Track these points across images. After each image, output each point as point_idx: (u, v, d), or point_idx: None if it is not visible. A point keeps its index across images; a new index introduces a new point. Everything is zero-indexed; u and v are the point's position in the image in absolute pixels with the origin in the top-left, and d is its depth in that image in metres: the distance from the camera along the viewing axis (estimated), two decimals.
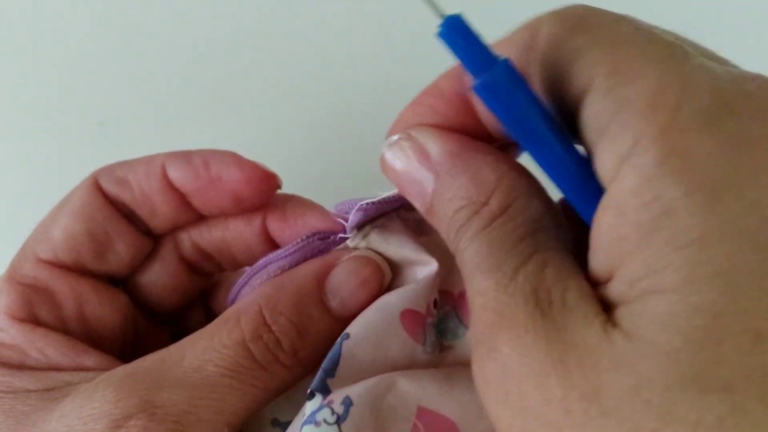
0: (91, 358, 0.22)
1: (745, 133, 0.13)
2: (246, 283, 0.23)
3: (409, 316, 0.21)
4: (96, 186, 0.24)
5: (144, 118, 0.39)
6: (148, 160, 0.24)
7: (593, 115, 0.15)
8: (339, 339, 0.20)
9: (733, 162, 0.13)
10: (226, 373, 0.20)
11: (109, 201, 0.24)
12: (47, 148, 0.39)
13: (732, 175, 0.13)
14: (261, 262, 0.23)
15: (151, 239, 0.25)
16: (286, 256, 0.23)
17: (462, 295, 0.23)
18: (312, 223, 0.23)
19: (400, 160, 0.18)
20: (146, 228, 0.25)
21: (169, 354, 0.20)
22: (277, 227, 0.24)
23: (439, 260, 0.22)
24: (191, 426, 0.19)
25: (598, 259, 0.15)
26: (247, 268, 0.24)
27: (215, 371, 0.20)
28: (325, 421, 0.18)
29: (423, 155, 0.18)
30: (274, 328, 0.21)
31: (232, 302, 0.24)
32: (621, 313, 0.14)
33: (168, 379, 0.19)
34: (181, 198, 0.24)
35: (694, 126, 0.13)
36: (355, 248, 0.23)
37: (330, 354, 0.20)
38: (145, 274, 0.25)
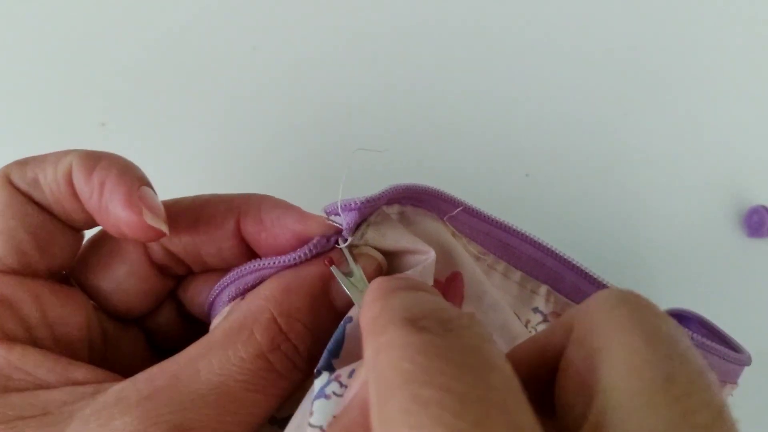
0: (78, 370, 0.21)
1: None
2: (233, 281, 0.23)
3: None
4: (10, 183, 0.22)
5: (146, 118, 0.39)
6: (55, 161, 0.22)
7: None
8: (342, 322, 0.20)
9: None
10: (249, 387, 0.20)
11: (27, 197, 0.22)
12: (49, 148, 0.39)
13: None
14: (253, 265, 0.22)
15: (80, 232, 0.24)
16: (283, 265, 0.22)
17: (449, 281, 0.23)
18: (290, 225, 0.23)
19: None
20: (69, 225, 0.24)
21: (181, 370, 0.20)
22: (252, 230, 0.23)
23: None
24: None
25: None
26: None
27: (238, 386, 0.19)
28: (334, 393, 0.18)
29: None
30: (290, 336, 0.20)
31: (214, 299, 0.23)
32: None
33: (190, 399, 0.19)
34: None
35: None
36: (356, 246, 0.22)
37: (334, 336, 0.20)
38: (110, 279, 0.24)
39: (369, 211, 0.22)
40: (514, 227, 0.26)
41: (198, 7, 0.42)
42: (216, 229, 0.23)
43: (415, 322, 0.15)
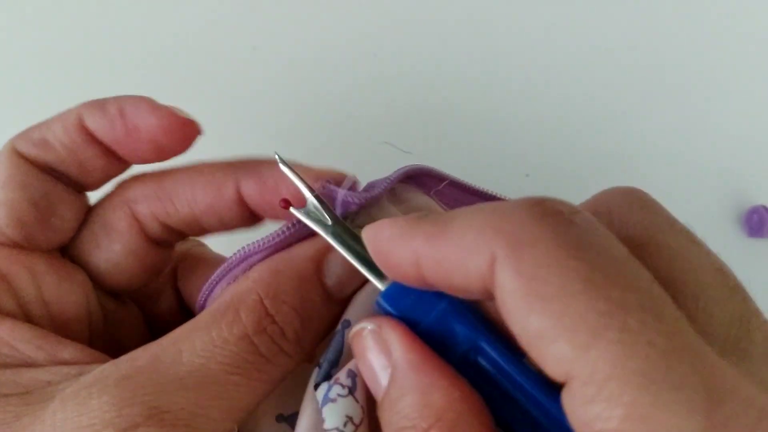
0: (66, 349, 0.20)
1: None
2: (221, 278, 0.22)
3: None
4: (16, 153, 0.22)
5: None
6: (62, 116, 0.22)
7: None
8: (339, 327, 0.20)
9: None
10: (231, 370, 0.19)
11: (34, 165, 0.22)
12: None
13: None
14: (239, 255, 0.21)
15: (85, 196, 0.24)
16: (268, 247, 0.21)
17: None
18: (291, 184, 0.21)
19: (366, 348, 0.18)
20: (78, 186, 0.23)
21: (163, 351, 0.19)
22: (254, 193, 0.22)
23: None
24: (201, 427, 0.18)
25: None
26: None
27: (219, 369, 0.19)
28: (339, 395, 0.18)
29: (385, 354, 0.17)
30: (277, 318, 0.20)
31: (206, 298, 0.23)
32: None
33: (170, 381, 0.18)
34: (106, 148, 0.22)
35: None
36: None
37: (333, 345, 0.19)
38: (105, 256, 0.23)
39: (360, 204, 0.21)
40: (500, 195, 0.25)
41: (198, 7, 0.42)
42: (216, 199, 0.22)
43: (559, 213, 0.14)
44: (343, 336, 0.19)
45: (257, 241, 0.21)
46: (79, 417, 0.17)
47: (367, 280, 0.20)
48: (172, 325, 0.26)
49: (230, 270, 0.22)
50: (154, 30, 0.41)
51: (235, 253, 0.22)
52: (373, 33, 0.42)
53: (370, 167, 0.40)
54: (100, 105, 0.22)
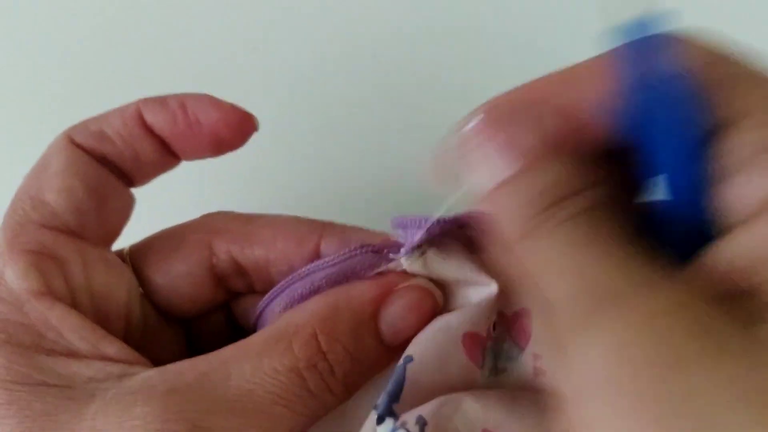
0: (112, 346, 0.20)
1: None
2: (282, 290, 0.22)
3: (470, 339, 0.20)
4: (73, 143, 0.22)
5: None
6: (121, 110, 0.23)
7: (735, 147, 0.15)
8: (402, 361, 0.19)
9: None
10: (277, 401, 0.19)
11: (90, 155, 0.22)
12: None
13: None
14: (303, 270, 0.22)
15: (132, 192, 0.24)
16: (333, 265, 0.21)
17: (516, 317, 0.22)
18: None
19: (480, 143, 0.16)
20: (128, 179, 0.23)
21: (213, 370, 0.19)
22: (335, 250, 0.22)
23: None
24: None
25: (722, 273, 0.14)
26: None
27: (266, 397, 0.19)
28: None
29: (512, 140, 0.16)
30: (329, 356, 0.20)
31: (263, 310, 0.23)
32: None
33: (217, 402, 0.18)
34: (162, 143, 0.23)
35: None
36: (411, 271, 0.21)
37: (394, 377, 0.19)
38: (165, 273, 0.24)
39: (436, 234, 0.21)
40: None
41: (197, 7, 0.42)
42: (295, 249, 0.23)
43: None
44: (404, 370, 0.19)
45: (322, 260, 0.21)
46: (121, 423, 0.18)
47: (424, 326, 0.20)
48: (216, 343, 0.26)
49: (291, 284, 0.22)
50: (153, 29, 0.41)
51: (300, 269, 0.22)
52: (373, 33, 0.42)
53: (371, 166, 0.40)
54: (160, 100, 0.22)
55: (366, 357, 0.20)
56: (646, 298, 0.13)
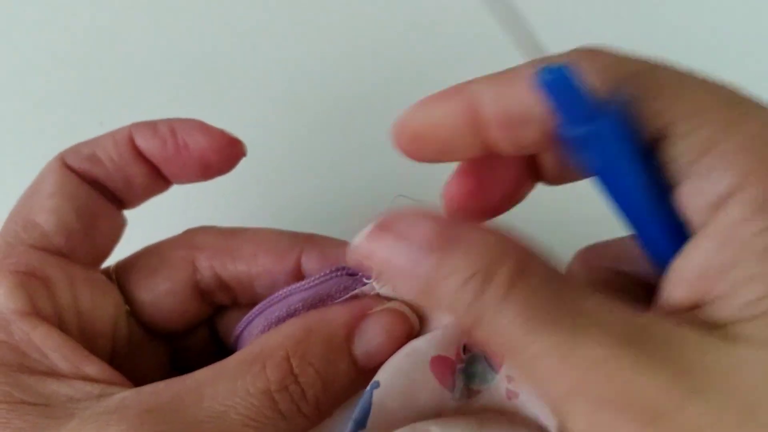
0: (93, 366, 0.20)
1: None
2: (260, 313, 0.22)
3: (438, 363, 0.21)
4: (65, 165, 0.23)
5: (144, 118, 0.39)
6: (113, 134, 0.23)
7: (677, 155, 0.16)
8: (369, 387, 0.20)
9: None
10: (248, 423, 0.19)
11: (82, 178, 0.23)
12: (47, 146, 0.39)
13: None
14: (280, 293, 0.22)
15: (123, 215, 0.25)
16: (309, 288, 0.22)
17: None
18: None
19: (382, 246, 0.17)
20: (119, 202, 0.24)
21: (187, 391, 0.19)
22: (314, 266, 0.23)
23: None
24: None
25: (681, 289, 0.16)
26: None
27: (237, 420, 0.19)
28: None
29: (409, 237, 0.17)
30: (300, 379, 0.20)
31: (241, 332, 0.23)
32: (742, 329, 0.15)
33: (188, 423, 0.19)
34: (152, 167, 0.23)
35: None
36: (383, 294, 0.22)
37: (360, 404, 0.19)
38: (150, 290, 0.24)
39: None
40: None
41: (197, 7, 0.42)
42: (276, 264, 0.23)
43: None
44: (371, 396, 0.19)
45: (299, 283, 0.22)
46: None
47: (396, 351, 0.20)
48: (199, 359, 0.26)
49: (270, 306, 0.22)
50: (153, 29, 0.41)
51: (274, 293, 0.22)
52: (372, 34, 0.42)
53: (370, 167, 0.40)
54: (151, 125, 0.23)
55: (338, 380, 0.21)
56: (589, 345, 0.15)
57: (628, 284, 0.21)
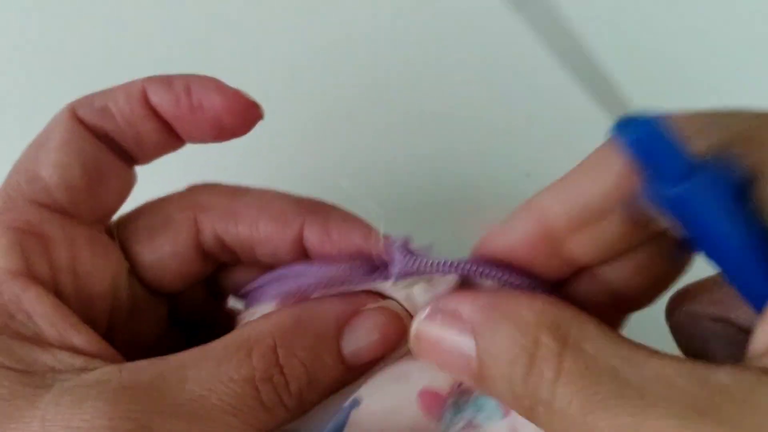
0: (79, 336, 0.19)
1: None
2: (275, 279, 0.22)
3: (427, 396, 0.20)
4: (75, 117, 0.22)
5: None
6: (126, 87, 0.22)
7: None
8: (347, 404, 0.19)
9: None
10: (228, 410, 0.18)
11: (91, 132, 0.22)
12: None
13: None
14: (299, 267, 0.21)
15: (134, 171, 0.24)
16: (324, 279, 0.21)
17: None
18: (356, 241, 0.22)
19: (434, 331, 0.17)
20: (130, 159, 0.23)
21: (170, 371, 0.19)
22: (316, 239, 0.22)
23: None
24: None
25: None
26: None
27: (218, 405, 0.18)
28: None
29: (456, 319, 0.17)
30: (285, 370, 0.19)
31: (252, 291, 0.22)
32: None
33: (167, 404, 0.18)
34: (165, 124, 0.22)
35: None
36: (390, 295, 0.21)
37: (334, 420, 0.19)
38: (153, 251, 0.23)
39: (428, 271, 0.20)
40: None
41: (197, 7, 0.42)
42: (278, 233, 0.23)
43: None
44: (347, 416, 0.19)
45: (316, 267, 0.21)
46: (71, 416, 0.17)
47: (390, 350, 0.20)
48: (199, 312, 0.26)
49: (283, 278, 0.22)
50: (153, 29, 0.41)
51: (293, 265, 0.22)
52: (371, 34, 0.42)
53: (370, 167, 0.40)
54: (166, 80, 0.22)
55: (324, 375, 0.20)
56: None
57: (731, 332, 0.19)
